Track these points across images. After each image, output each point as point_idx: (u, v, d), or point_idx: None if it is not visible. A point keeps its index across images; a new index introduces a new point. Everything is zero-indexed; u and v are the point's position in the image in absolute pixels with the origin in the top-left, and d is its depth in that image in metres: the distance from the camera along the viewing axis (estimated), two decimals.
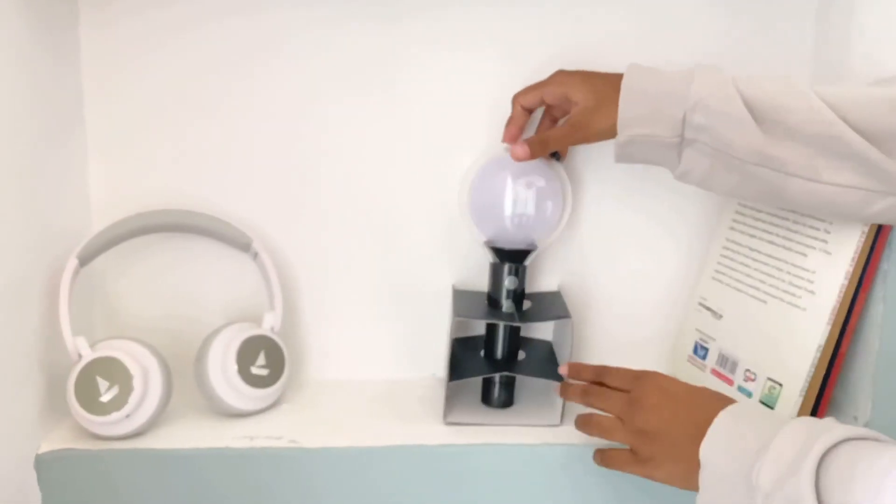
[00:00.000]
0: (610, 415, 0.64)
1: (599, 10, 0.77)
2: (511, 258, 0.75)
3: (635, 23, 0.77)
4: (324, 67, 0.76)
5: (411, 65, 0.77)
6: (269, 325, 0.75)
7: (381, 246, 0.81)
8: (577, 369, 0.69)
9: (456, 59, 0.77)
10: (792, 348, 0.70)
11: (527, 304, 0.77)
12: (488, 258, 0.77)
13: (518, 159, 0.70)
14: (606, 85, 0.67)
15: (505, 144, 0.75)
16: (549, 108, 0.74)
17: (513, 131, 0.73)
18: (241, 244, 0.77)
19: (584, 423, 0.66)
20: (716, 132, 0.63)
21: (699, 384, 0.80)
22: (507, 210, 0.74)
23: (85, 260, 0.71)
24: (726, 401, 0.58)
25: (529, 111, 0.73)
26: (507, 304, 0.75)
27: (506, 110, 0.76)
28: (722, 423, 0.55)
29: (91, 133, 0.76)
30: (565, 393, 0.69)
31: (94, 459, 0.67)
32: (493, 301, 0.76)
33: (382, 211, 0.80)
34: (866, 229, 0.66)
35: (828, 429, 0.49)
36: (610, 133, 0.67)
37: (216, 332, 0.72)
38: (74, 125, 0.75)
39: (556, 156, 0.76)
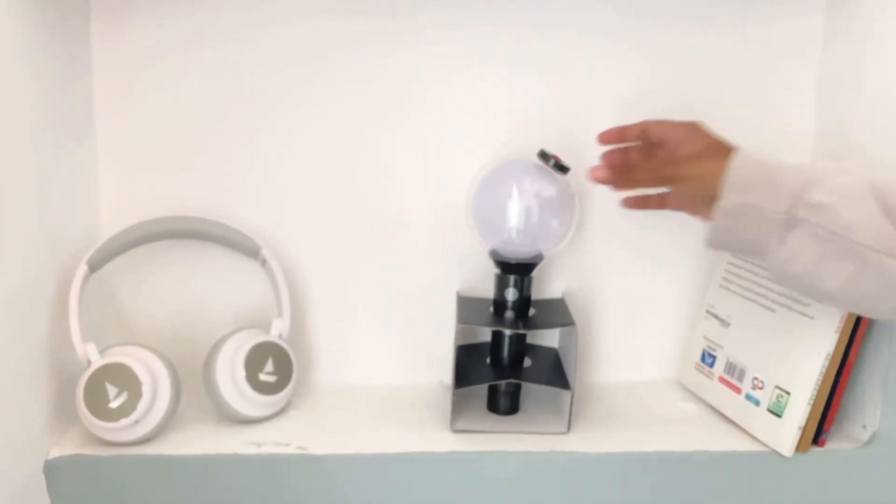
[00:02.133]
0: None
1: (602, 18, 0.77)
2: (516, 270, 0.75)
3: (644, 29, 0.77)
4: (332, 76, 0.77)
5: (420, 74, 0.77)
6: (278, 331, 0.75)
7: (388, 252, 0.81)
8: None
9: (466, 70, 0.77)
10: (800, 357, 0.69)
11: (532, 312, 0.77)
12: (494, 266, 0.77)
13: (597, 180, 0.67)
14: (720, 145, 0.63)
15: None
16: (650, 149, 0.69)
17: (615, 134, 0.71)
18: (250, 251, 0.77)
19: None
20: (836, 213, 0.55)
21: (707, 393, 0.80)
22: (512, 221, 0.73)
23: (95, 266, 0.71)
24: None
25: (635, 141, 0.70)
26: (511, 312, 0.75)
27: (514, 118, 0.77)
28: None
29: (101, 141, 0.77)
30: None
31: (103, 465, 0.67)
32: (498, 308, 0.76)
33: (389, 217, 0.80)
34: None
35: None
36: (707, 187, 0.60)
37: (225, 338, 0.73)
38: (85, 134, 0.75)
39: (562, 168, 0.72)
